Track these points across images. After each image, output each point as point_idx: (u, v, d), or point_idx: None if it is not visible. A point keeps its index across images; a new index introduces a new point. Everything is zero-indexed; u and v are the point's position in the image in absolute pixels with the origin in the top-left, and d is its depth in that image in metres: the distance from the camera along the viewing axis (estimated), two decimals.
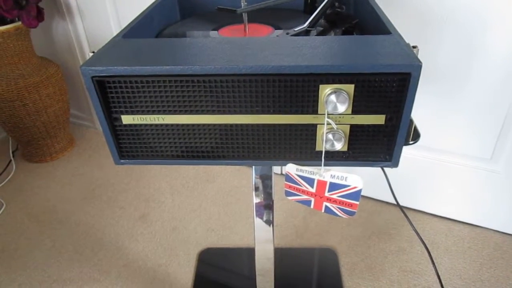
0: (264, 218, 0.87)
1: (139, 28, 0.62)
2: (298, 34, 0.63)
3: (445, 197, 1.21)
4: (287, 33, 0.63)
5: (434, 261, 1.11)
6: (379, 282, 1.06)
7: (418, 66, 0.44)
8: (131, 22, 0.61)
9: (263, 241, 0.89)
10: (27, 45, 1.38)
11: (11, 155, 1.62)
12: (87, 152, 1.66)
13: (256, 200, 0.83)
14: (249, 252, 1.17)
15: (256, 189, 0.80)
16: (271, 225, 0.87)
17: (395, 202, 1.26)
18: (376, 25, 0.60)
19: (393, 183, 1.26)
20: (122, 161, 0.56)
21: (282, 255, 1.15)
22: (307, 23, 0.64)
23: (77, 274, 1.13)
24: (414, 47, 0.49)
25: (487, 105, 1.02)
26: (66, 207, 1.37)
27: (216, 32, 0.69)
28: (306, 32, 0.64)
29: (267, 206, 0.84)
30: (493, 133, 1.05)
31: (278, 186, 1.41)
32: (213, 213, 1.32)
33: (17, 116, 1.40)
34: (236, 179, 1.47)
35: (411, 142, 0.59)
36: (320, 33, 0.66)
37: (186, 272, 1.12)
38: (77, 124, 1.84)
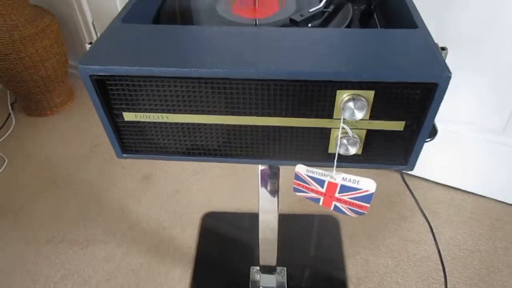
0: (269, 188, 0.85)
1: (140, 4, 0.57)
2: (313, 16, 0.58)
3: (449, 165, 1.19)
4: (301, 15, 0.57)
5: (435, 230, 1.12)
6: (379, 250, 1.08)
7: (447, 77, 0.40)
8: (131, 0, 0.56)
9: (267, 211, 0.89)
10: None
11: (9, 108, 1.59)
12: (88, 105, 1.63)
13: (261, 167, 0.79)
14: (253, 218, 1.18)
15: None
16: (276, 196, 0.86)
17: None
18: (399, 8, 0.55)
19: None
20: (125, 155, 0.54)
21: (284, 221, 1.16)
22: (323, 2, 0.59)
23: (82, 234, 1.15)
24: (443, 48, 0.45)
25: (505, 76, 0.97)
26: (68, 164, 1.36)
27: (224, 6, 0.64)
28: (321, 14, 0.59)
29: (272, 175, 0.81)
30: (508, 105, 1.01)
31: None
32: (216, 175, 1.31)
33: (13, 69, 1.35)
34: None
35: (427, 140, 0.56)
36: (336, 11, 0.61)
37: (190, 235, 1.14)
38: (77, 76, 1.79)
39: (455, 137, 1.13)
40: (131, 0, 0.56)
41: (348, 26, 0.58)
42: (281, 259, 1.06)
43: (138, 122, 0.49)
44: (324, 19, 0.59)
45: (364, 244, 1.10)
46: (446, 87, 0.41)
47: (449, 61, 0.99)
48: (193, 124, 0.49)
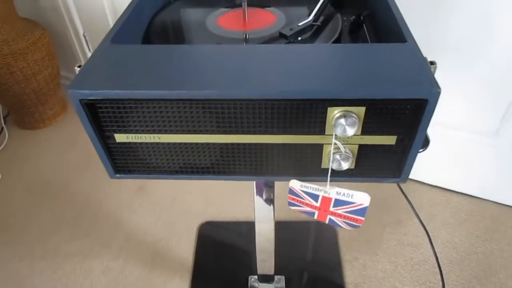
0: (264, 197, 0.85)
1: (129, 23, 0.57)
2: (302, 29, 0.58)
3: (444, 168, 1.20)
4: (291, 29, 0.57)
5: (431, 233, 1.13)
6: (377, 255, 1.09)
7: (437, 93, 0.40)
8: (120, 18, 0.56)
9: (263, 221, 0.89)
10: (9, 6, 1.29)
11: (2, 121, 1.58)
12: None
13: None
14: (249, 226, 1.18)
15: None
16: (272, 206, 0.86)
17: None
18: (388, 20, 0.55)
19: None
20: (117, 175, 0.54)
21: (280, 229, 1.16)
22: (311, 16, 0.59)
23: (78, 248, 1.14)
24: (432, 63, 0.45)
25: (497, 80, 0.97)
26: (62, 177, 1.36)
27: (214, 20, 0.64)
28: (311, 27, 0.59)
29: (267, 186, 0.81)
30: (501, 108, 1.02)
31: None
32: (212, 184, 1.31)
33: (4, 84, 1.34)
34: None
35: (420, 151, 0.56)
36: (325, 23, 0.61)
37: (187, 246, 1.13)
38: None
39: (449, 139, 1.13)
40: (120, 19, 0.56)
41: (338, 38, 0.59)
42: (279, 267, 1.06)
43: (130, 143, 0.49)
44: (314, 32, 0.60)
45: (362, 249, 1.10)
46: (436, 103, 0.41)
47: (442, 63, 1.00)
48: (185, 143, 0.49)
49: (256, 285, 1.04)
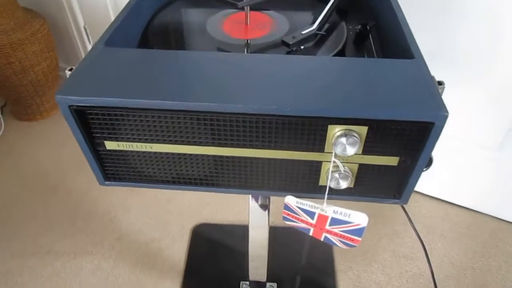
0: (260, 202, 0.83)
1: (125, 24, 0.55)
2: (306, 38, 0.55)
3: (445, 180, 1.18)
4: (294, 37, 0.55)
5: (428, 246, 1.11)
6: (371, 266, 1.07)
7: (444, 117, 0.38)
8: (116, 19, 0.54)
9: (258, 226, 0.87)
10: None
11: None
12: None
13: None
14: (244, 230, 1.16)
15: None
16: (267, 210, 0.84)
17: None
18: (395, 33, 0.53)
19: None
20: (107, 183, 0.52)
21: (274, 234, 1.14)
22: (316, 25, 0.57)
23: (70, 246, 1.12)
24: (440, 83, 0.43)
25: (502, 93, 0.95)
26: (58, 172, 1.34)
27: (215, 24, 0.61)
28: (315, 36, 0.57)
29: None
30: (505, 121, 1.00)
31: None
32: None
33: (2, 74, 1.31)
34: None
35: (423, 170, 0.54)
36: (329, 32, 0.59)
37: (180, 247, 1.12)
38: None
39: (451, 151, 1.11)
40: (116, 20, 0.53)
41: (343, 49, 0.56)
42: (271, 274, 1.04)
43: (121, 150, 0.47)
44: (318, 41, 0.57)
45: (356, 259, 1.08)
46: (443, 126, 0.39)
47: (446, 74, 0.98)
48: (178, 154, 0.47)
49: None
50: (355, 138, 0.41)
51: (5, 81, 1.34)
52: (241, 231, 1.16)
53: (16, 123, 1.53)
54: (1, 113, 1.56)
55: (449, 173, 1.16)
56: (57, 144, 1.44)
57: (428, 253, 1.09)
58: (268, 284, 1.02)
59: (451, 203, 1.22)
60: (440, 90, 0.42)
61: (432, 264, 1.07)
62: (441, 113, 0.38)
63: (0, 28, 1.25)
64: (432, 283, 0.98)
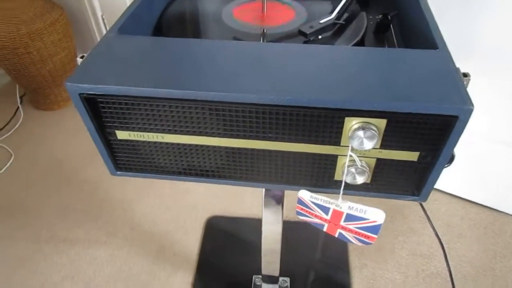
0: (274, 197, 0.81)
1: (140, 11, 0.54)
2: (324, 28, 0.54)
3: (465, 177, 1.15)
4: (311, 27, 0.53)
5: (446, 245, 1.08)
6: (387, 264, 1.05)
7: (469, 111, 0.36)
8: (130, 6, 0.53)
9: (271, 222, 0.85)
10: None
11: (18, 101, 1.58)
12: None
13: None
14: (257, 223, 1.15)
15: None
16: (281, 205, 0.82)
17: None
18: (418, 22, 0.50)
19: None
20: (119, 173, 0.51)
21: (288, 229, 1.13)
22: (334, 13, 0.54)
23: (84, 235, 1.13)
24: (465, 75, 0.40)
25: None
26: (73, 162, 1.35)
27: (230, 12, 0.60)
28: (333, 25, 0.55)
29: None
30: None
31: None
32: None
33: (21, 64, 1.33)
34: None
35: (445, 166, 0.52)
36: (348, 21, 0.57)
37: (193, 240, 1.11)
38: None
39: (472, 148, 1.08)
40: (130, 7, 0.52)
41: (362, 39, 0.54)
42: (284, 268, 1.03)
43: (132, 140, 0.46)
44: (336, 30, 0.55)
45: (372, 256, 1.06)
46: (467, 121, 0.37)
47: (467, 66, 0.94)
48: (189, 145, 0.46)
49: (261, 285, 1.01)
50: (373, 131, 0.39)
51: (24, 70, 1.35)
52: (254, 224, 1.15)
53: (34, 112, 1.55)
54: (20, 103, 1.58)
55: (469, 170, 1.12)
56: (73, 134, 1.45)
57: (446, 252, 1.06)
58: (281, 279, 1.01)
59: (471, 201, 1.18)
60: (465, 83, 0.39)
61: (450, 263, 1.04)
62: (466, 107, 0.36)
63: (19, 18, 1.26)
64: (450, 283, 0.95)
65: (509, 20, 0.84)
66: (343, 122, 0.40)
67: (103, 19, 1.46)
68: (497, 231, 1.11)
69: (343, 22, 0.55)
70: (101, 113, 0.43)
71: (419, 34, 0.50)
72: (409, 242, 1.09)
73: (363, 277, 1.02)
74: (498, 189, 1.11)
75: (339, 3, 0.56)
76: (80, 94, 0.40)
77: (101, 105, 0.42)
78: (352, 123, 0.40)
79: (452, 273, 1.02)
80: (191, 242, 1.11)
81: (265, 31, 0.56)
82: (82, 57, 0.44)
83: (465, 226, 1.12)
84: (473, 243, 1.09)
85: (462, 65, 0.86)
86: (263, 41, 0.55)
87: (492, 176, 1.09)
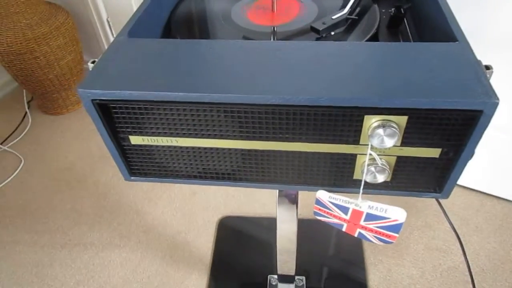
0: (288, 195, 0.80)
1: (149, 14, 0.53)
2: (336, 23, 0.52)
3: (481, 169, 1.13)
4: (323, 23, 0.52)
5: (463, 239, 1.07)
6: (403, 260, 1.03)
7: (494, 104, 0.35)
8: (139, 9, 0.52)
9: (286, 220, 0.84)
10: None
11: (26, 106, 1.58)
12: None
13: None
14: (271, 222, 1.14)
15: None
16: (296, 203, 0.81)
17: None
18: (435, 15, 0.49)
19: None
20: (133, 178, 0.50)
21: (303, 227, 1.12)
22: (346, 9, 0.53)
23: (97, 238, 1.13)
24: (487, 67, 0.39)
25: None
26: (84, 165, 1.35)
27: (240, 11, 0.59)
28: (346, 20, 0.53)
29: None
30: None
31: None
32: None
33: (28, 69, 1.33)
34: None
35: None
36: (361, 16, 0.55)
37: (206, 240, 1.11)
38: None
39: (488, 140, 1.06)
40: (139, 10, 0.51)
41: (375, 34, 0.53)
42: (300, 267, 1.02)
43: (146, 145, 0.46)
44: (349, 25, 0.54)
45: (387, 252, 1.05)
46: (492, 115, 0.35)
47: (485, 57, 0.92)
48: (204, 148, 0.45)
49: (276, 285, 1.01)
50: (393, 129, 0.38)
51: (31, 75, 1.35)
52: (267, 224, 1.14)
53: (42, 117, 1.56)
54: (28, 108, 1.59)
55: (485, 163, 1.10)
56: (83, 138, 1.45)
57: (463, 246, 1.05)
58: (296, 278, 1.01)
59: (486, 193, 1.16)
60: (488, 75, 0.38)
61: (467, 257, 1.02)
62: (491, 100, 0.35)
63: (25, 23, 1.26)
64: (468, 276, 0.94)
65: None
66: (362, 121, 0.39)
67: (108, 22, 1.45)
68: None
69: (356, 17, 0.54)
70: (114, 118, 0.43)
71: (435, 27, 0.48)
72: (425, 236, 1.08)
73: (379, 273, 1.01)
74: None
75: None
76: (92, 100, 0.40)
77: (114, 110, 0.42)
78: (371, 121, 0.39)
79: (470, 267, 1.00)
80: (205, 243, 1.10)
81: (275, 29, 0.55)
82: (93, 62, 0.43)
83: (481, 219, 1.11)
84: (490, 235, 1.07)
85: (480, 57, 0.84)
86: (274, 39, 0.54)
87: (508, 168, 1.08)
